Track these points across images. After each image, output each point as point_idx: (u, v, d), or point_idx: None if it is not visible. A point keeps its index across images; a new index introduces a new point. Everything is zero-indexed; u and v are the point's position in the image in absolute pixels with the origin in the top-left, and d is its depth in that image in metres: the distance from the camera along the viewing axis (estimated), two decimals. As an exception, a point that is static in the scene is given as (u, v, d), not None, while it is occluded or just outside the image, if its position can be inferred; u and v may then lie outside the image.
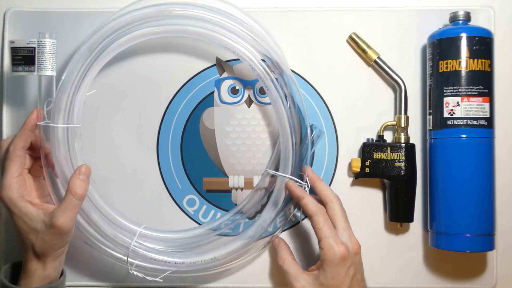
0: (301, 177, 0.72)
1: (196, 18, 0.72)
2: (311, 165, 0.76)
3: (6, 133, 0.77)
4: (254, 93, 0.78)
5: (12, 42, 0.70)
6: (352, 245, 0.67)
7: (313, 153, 0.77)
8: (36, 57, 0.69)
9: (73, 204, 0.66)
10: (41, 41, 0.69)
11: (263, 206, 0.75)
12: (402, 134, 0.74)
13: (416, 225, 0.76)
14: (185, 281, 0.77)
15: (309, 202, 0.68)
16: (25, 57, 0.69)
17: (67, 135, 0.70)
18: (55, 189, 0.71)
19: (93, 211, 0.72)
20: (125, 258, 0.72)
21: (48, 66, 0.69)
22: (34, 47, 0.69)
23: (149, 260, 0.72)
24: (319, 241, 0.67)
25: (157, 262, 0.72)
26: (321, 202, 0.70)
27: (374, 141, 0.75)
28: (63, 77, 0.70)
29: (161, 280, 0.73)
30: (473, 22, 0.74)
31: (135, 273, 0.72)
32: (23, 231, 0.67)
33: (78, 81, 0.70)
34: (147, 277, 0.72)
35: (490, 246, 0.70)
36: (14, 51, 0.69)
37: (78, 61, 0.70)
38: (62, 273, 0.71)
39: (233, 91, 0.78)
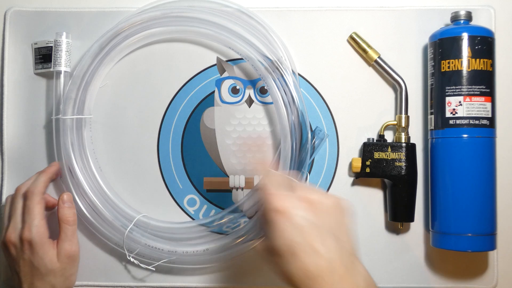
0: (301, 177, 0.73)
1: (200, 19, 0.74)
2: (312, 166, 0.76)
3: (6, 133, 0.77)
4: (254, 92, 0.77)
5: (35, 43, 0.77)
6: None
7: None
8: (52, 55, 0.75)
9: (71, 230, 0.71)
10: (57, 40, 0.75)
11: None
12: (403, 133, 0.74)
13: (417, 225, 0.76)
14: (185, 281, 0.77)
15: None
16: (44, 56, 0.76)
17: (76, 125, 0.75)
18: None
19: (96, 195, 0.75)
20: (121, 243, 0.74)
21: (63, 63, 0.75)
22: (52, 46, 0.75)
23: (144, 245, 0.74)
24: None
25: (151, 249, 0.74)
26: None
27: (375, 141, 0.75)
28: (74, 72, 0.74)
29: (154, 269, 0.75)
30: (474, 22, 0.74)
31: (131, 259, 0.73)
32: (39, 274, 0.69)
33: (89, 76, 0.74)
34: (141, 265, 0.74)
35: (491, 245, 0.70)
36: (36, 51, 0.77)
37: (89, 58, 0.74)
38: None
39: (234, 90, 0.78)
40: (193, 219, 0.77)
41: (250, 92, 0.78)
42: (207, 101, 0.78)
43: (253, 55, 0.72)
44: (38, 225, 0.69)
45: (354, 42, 0.77)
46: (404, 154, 0.73)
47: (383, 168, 0.73)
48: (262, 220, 0.57)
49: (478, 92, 0.70)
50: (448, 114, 0.71)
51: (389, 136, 0.76)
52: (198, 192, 0.77)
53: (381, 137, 0.75)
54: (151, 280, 0.77)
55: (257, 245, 0.65)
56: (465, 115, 0.70)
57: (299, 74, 0.77)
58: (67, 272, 0.71)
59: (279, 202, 0.54)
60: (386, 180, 0.75)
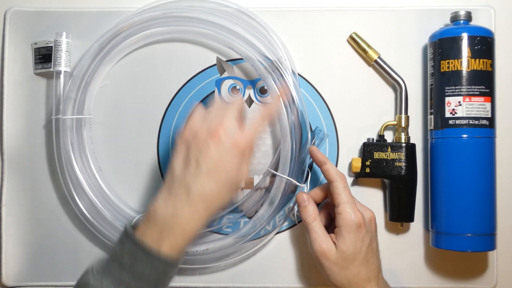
0: (301, 178, 0.73)
1: (199, 19, 0.74)
2: (312, 166, 0.76)
3: (6, 133, 0.77)
4: (254, 92, 0.77)
5: (35, 43, 0.76)
6: (366, 213, 0.67)
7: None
8: (52, 55, 0.75)
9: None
10: (57, 40, 0.75)
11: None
12: (403, 134, 0.74)
13: (417, 225, 0.76)
14: (185, 281, 0.77)
15: (331, 168, 0.68)
16: (44, 56, 0.76)
17: (76, 125, 0.75)
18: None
19: (96, 195, 0.75)
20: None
21: (63, 63, 0.75)
22: (52, 46, 0.75)
23: None
24: (337, 207, 0.66)
25: None
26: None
27: (375, 141, 0.75)
28: (74, 72, 0.74)
29: None
30: (474, 22, 0.74)
31: None
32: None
33: (89, 76, 0.74)
34: None
35: (491, 246, 0.70)
36: (36, 51, 0.76)
37: (89, 58, 0.74)
38: None
39: (234, 90, 0.78)
40: (193, 219, 0.77)
41: (250, 92, 0.78)
42: (207, 101, 0.78)
43: (253, 55, 0.72)
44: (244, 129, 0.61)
45: (354, 42, 0.77)
46: (404, 154, 0.73)
47: (383, 168, 0.73)
48: (344, 222, 0.65)
49: (477, 92, 0.70)
50: (447, 114, 0.71)
51: (389, 136, 0.76)
52: (198, 192, 0.77)
53: (381, 137, 0.75)
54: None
55: (320, 245, 0.66)
56: (464, 115, 0.70)
57: (299, 74, 0.77)
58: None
59: (360, 218, 0.65)
60: (386, 180, 0.75)
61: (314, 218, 0.68)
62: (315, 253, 0.66)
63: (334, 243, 0.66)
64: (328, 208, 0.72)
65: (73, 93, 0.74)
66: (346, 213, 0.65)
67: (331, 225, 0.71)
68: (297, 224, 0.77)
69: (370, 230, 0.67)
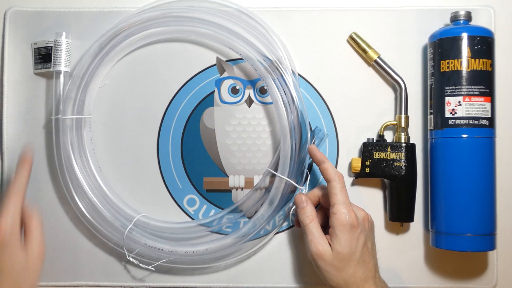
0: (301, 178, 0.73)
1: (199, 19, 0.74)
2: (311, 166, 0.76)
3: (6, 133, 0.77)
4: (254, 92, 0.78)
5: (35, 43, 0.76)
6: (359, 212, 0.67)
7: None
8: (52, 55, 0.75)
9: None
10: (57, 40, 0.75)
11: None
12: (403, 133, 0.74)
13: (417, 225, 0.76)
14: (185, 281, 0.77)
15: (329, 167, 0.68)
16: (44, 56, 0.76)
17: (76, 125, 0.75)
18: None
19: (95, 195, 0.75)
20: (121, 243, 0.74)
21: (63, 63, 0.75)
22: (51, 46, 0.76)
23: (143, 245, 0.74)
24: (332, 207, 0.66)
25: (151, 249, 0.74)
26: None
27: (375, 141, 0.75)
28: (74, 72, 0.74)
29: (153, 269, 0.75)
30: (474, 22, 0.74)
31: (131, 259, 0.73)
32: None
33: (89, 76, 0.74)
34: (141, 265, 0.74)
35: (491, 245, 0.70)
36: (36, 51, 0.77)
37: (89, 58, 0.74)
38: None
39: (234, 90, 0.78)
40: (192, 219, 0.77)
41: (249, 92, 0.78)
42: (207, 101, 0.78)
43: (252, 55, 0.72)
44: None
45: (354, 42, 0.77)
46: (403, 154, 0.73)
47: (383, 168, 0.73)
48: (338, 222, 0.66)
49: (477, 92, 0.70)
50: (447, 114, 0.71)
51: (389, 136, 0.76)
52: (198, 192, 0.77)
53: (381, 137, 0.75)
54: (151, 280, 0.77)
55: (316, 246, 0.66)
56: (464, 115, 0.70)
57: (299, 74, 0.77)
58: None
59: (354, 218, 0.66)
60: (386, 180, 0.75)
61: (311, 220, 0.68)
62: (312, 255, 0.66)
63: (330, 244, 0.66)
64: (325, 209, 0.72)
65: (73, 93, 0.74)
66: (341, 213, 0.65)
67: (327, 226, 0.71)
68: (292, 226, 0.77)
69: (364, 230, 0.67)
